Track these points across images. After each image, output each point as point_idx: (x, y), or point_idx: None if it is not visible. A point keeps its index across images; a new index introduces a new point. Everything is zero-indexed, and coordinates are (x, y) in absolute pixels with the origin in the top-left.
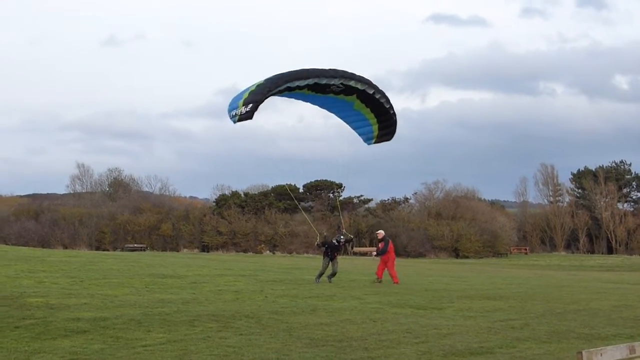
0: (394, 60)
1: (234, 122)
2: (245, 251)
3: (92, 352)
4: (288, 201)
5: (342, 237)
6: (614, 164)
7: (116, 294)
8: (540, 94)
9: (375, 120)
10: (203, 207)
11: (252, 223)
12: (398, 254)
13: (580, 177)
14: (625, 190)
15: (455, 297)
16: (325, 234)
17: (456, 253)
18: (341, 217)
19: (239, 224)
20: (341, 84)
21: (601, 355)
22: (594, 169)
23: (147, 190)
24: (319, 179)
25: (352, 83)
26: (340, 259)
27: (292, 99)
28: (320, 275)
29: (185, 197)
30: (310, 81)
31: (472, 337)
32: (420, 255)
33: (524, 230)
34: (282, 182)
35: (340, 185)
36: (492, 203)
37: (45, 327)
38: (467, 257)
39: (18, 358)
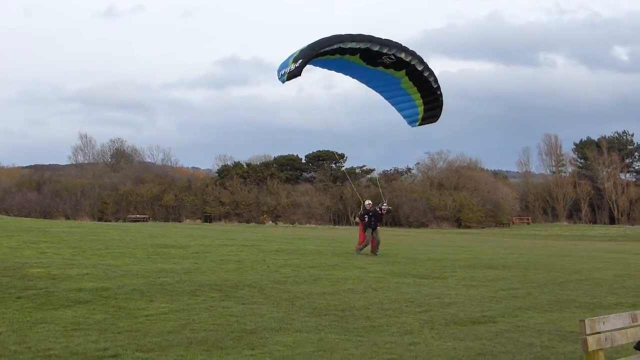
0: (393, 31)
1: (283, 81)
2: (247, 221)
3: (95, 322)
4: (290, 171)
5: (384, 205)
6: (616, 134)
7: (118, 264)
8: (540, 65)
9: (421, 101)
10: (205, 178)
11: (254, 193)
12: (400, 224)
13: (583, 147)
14: (627, 161)
15: (458, 266)
16: (366, 201)
17: (458, 223)
18: (379, 187)
19: (241, 194)
20: (393, 55)
21: (604, 323)
22: (596, 140)
23: (150, 160)
24: (320, 149)
25: (403, 55)
26: (342, 228)
27: (338, 72)
28: (365, 246)
29: (188, 167)
30: (363, 45)
31: (474, 306)
32: (423, 225)
33: (527, 201)
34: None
35: (342, 155)
36: (495, 173)
37: (47, 297)
38: (469, 227)
39: (21, 328)
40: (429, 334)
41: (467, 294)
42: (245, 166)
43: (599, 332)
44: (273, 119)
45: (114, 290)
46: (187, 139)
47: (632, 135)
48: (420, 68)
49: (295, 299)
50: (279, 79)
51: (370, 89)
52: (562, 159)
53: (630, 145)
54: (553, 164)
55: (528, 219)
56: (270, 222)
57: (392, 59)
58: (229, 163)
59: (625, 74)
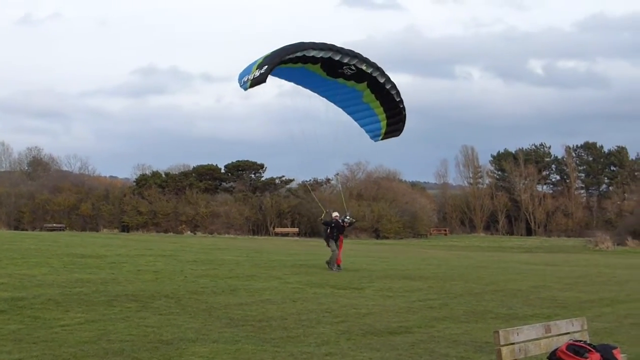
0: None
1: (246, 88)
2: (165, 231)
3: (9, 332)
4: (209, 181)
5: (347, 217)
6: (533, 147)
7: (34, 274)
8: (457, 78)
9: (384, 115)
10: (123, 187)
11: (172, 203)
12: (319, 234)
13: (500, 159)
14: (544, 173)
15: (375, 277)
16: (333, 212)
17: (377, 234)
18: (342, 196)
19: (159, 204)
20: (354, 65)
21: (517, 334)
22: (513, 152)
23: (67, 169)
24: (240, 159)
25: (364, 67)
26: (262, 238)
27: (298, 85)
28: (335, 258)
29: (106, 176)
30: (326, 54)
31: (391, 316)
32: None
33: (444, 212)
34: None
35: (261, 166)
36: (413, 184)
37: None
38: (387, 238)
39: None
40: (346, 344)
41: (384, 305)
42: (163, 175)
43: (513, 343)
44: (191, 129)
45: (29, 300)
46: (105, 147)
47: (549, 147)
48: (382, 80)
49: (213, 310)
50: (241, 86)
51: (331, 104)
52: (480, 171)
53: (547, 158)
54: (470, 176)
55: (446, 230)
56: (189, 232)
57: (353, 70)
58: (147, 172)
59: (540, 87)
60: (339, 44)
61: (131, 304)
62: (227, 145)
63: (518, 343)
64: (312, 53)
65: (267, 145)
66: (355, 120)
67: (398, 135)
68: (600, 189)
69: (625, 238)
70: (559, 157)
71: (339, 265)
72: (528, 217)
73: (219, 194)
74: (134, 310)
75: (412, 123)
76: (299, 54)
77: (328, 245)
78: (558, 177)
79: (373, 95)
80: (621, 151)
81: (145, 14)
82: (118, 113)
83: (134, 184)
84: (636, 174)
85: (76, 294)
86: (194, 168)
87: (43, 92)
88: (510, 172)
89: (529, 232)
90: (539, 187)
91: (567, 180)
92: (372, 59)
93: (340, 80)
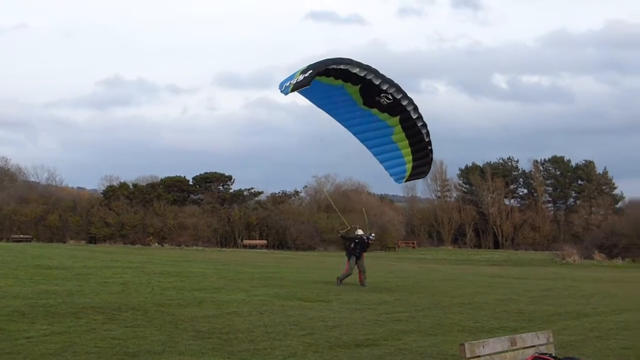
0: (277, 56)
1: (287, 92)
2: (133, 243)
3: None
4: (177, 193)
5: (372, 235)
6: (501, 160)
7: (0, 285)
8: (422, 92)
9: (410, 157)
10: (91, 198)
11: (140, 215)
12: (287, 246)
13: (467, 172)
14: (512, 187)
15: (343, 290)
16: (357, 230)
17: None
18: (364, 212)
19: (127, 215)
20: (392, 95)
21: (483, 347)
22: (481, 165)
23: (34, 180)
24: (208, 171)
25: (400, 97)
26: (230, 250)
27: (328, 111)
28: (347, 276)
29: (73, 187)
30: (368, 74)
31: (358, 329)
32: (310, 248)
33: (412, 225)
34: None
35: (230, 177)
36: (382, 197)
37: None
38: None
39: None
40: (312, 357)
41: (352, 317)
42: (131, 187)
43: (478, 356)
44: (158, 140)
45: None
46: (72, 158)
47: (517, 161)
48: (414, 116)
49: (179, 322)
50: (282, 91)
51: (356, 139)
52: (447, 184)
53: (514, 171)
54: (438, 189)
55: (414, 243)
56: (157, 244)
57: (390, 100)
58: (115, 183)
59: (505, 102)
60: (304, 57)
61: (97, 315)
62: (195, 157)
63: (484, 356)
64: (355, 70)
65: (235, 157)
66: (381, 161)
67: (423, 177)
68: (568, 203)
69: (592, 252)
70: (527, 170)
71: (362, 284)
72: (496, 230)
73: (187, 206)
74: (100, 322)
75: None
76: (343, 67)
77: (349, 260)
78: (525, 191)
79: (403, 134)
80: (588, 165)
81: (111, 25)
82: (84, 124)
83: (102, 195)
84: (603, 188)
85: (42, 306)
86: (161, 180)
87: (7, 103)
88: (477, 186)
89: (497, 245)
90: (507, 201)
91: (535, 194)
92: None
93: (375, 111)
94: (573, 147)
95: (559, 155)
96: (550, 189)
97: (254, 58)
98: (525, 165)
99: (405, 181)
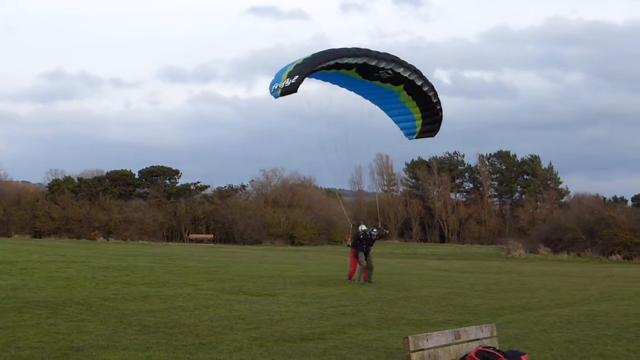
0: (220, 51)
1: (276, 96)
2: (78, 237)
3: None
4: (123, 187)
5: (375, 230)
6: (447, 155)
7: None
8: None
9: (419, 115)
10: (36, 192)
11: (85, 209)
12: (234, 241)
13: (414, 167)
14: (458, 181)
15: (289, 283)
16: (361, 226)
17: (292, 240)
18: (377, 207)
19: (72, 209)
20: (391, 69)
21: (427, 340)
22: (427, 160)
23: None
24: (154, 165)
25: (401, 70)
26: (176, 245)
27: (334, 84)
28: (362, 270)
29: (18, 181)
30: (361, 60)
31: (303, 322)
32: (257, 242)
33: (359, 219)
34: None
35: (176, 171)
36: (328, 191)
37: None
38: (302, 244)
39: None
40: (258, 351)
41: (297, 311)
42: (76, 181)
43: (422, 349)
44: (102, 134)
45: None
46: (16, 152)
47: (463, 156)
48: (419, 83)
49: (124, 317)
50: (271, 93)
51: (367, 101)
52: (394, 179)
53: (460, 166)
54: (385, 183)
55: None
56: (102, 238)
57: (390, 74)
58: (60, 177)
59: (449, 97)
60: (247, 51)
61: (42, 310)
62: (140, 151)
63: (427, 349)
64: (346, 60)
65: (181, 151)
66: (391, 117)
67: (434, 135)
68: (513, 197)
69: (538, 246)
70: (472, 165)
71: (351, 279)
72: (441, 224)
73: (133, 200)
74: (45, 316)
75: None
76: (331, 63)
77: (357, 256)
78: (471, 185)
79: (410, 97)
80: (534, 160)
81: (52, 19)
82: (27, 117)
83: (47, 189)
84: (548, 182)
85: None
86: (107, 173)
87: None
88: (424, 180)
89: (443, 239)
90: (453, 195)
91: (480, 189)
92: (279, 66)
93: (377, 82)
94: (518, 142)
95: (504, 149)
96: (496, 183)
97: (197, 52)
98: (471, 159)
99: (416, 137)
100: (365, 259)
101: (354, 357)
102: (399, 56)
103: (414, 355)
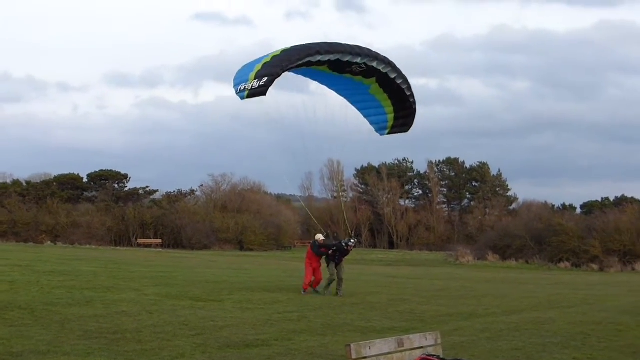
0: (167, 56)
1: (242, 97)
2: (25, 241)
3: None
4: (71, 191)
5: (352, 240)
6: (397, 162)
7: None
8: (313, 94)
9: (391, 108)
10: None
11: (33, 212)
12: (183, 245)
13: (364, 173)
14: (407, 187)
15: (236, 289)
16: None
17: (241, 245)
18: (345, 215)
19: (19, 213)
20: (364, 64)
21: (370, 348)
22: (377, 166)
23: None
24: (103, 169)
25: (374, 64)
26: (124, 249)
27: (306, 77)
28: (331, 282)
29: None
30: (333, 57)
31: (248, 329)
32: (205, 247)
33: (309, 224)
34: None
35: (125, 176)
36: (278, 197)
37: None
38: (251, 250)
39: None
40: (201, 357)
41: (243, 317)
42: (24, 184)
43: (365, 357)
44: (49, 138)
45: None
46: None
47: (412, 162)
48: (393, 76)
49: (67, 322)
50: (237, 94)
51: (320, 106)
52: (344, 185)
53: (409, 172)
54: (335, 189)
55: (310, 243)
56: (50, 242)
57: (362, 68)
58: (8, 181)
59: None
60: (193, 57)
61: None
62: (88, 156)
63: (370, 357)
64: (318, 58)
65: (129, 156)
66: (360, 110)
67: (407, 130)
68: (462, 204)
69: (486, 252)
70: (422, 171)
71: (307, 290)
72: (391, 230)
73: (81, 204)
74: None
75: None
76: (301, 62)
77: (328, 266)
78: (420, 192)
79: (381, 89)
80: (483, 167)
81: None
82: None
83: None
84: (497, 189)
85: None
86: (55, 177)
87: None
88: (373, 186)
89: (392, 245)
90: (402, 201)
91: (430, 195)
92: (225, 72)
93: (348, 75)
94: (466, 149)
95: (453, 156)
96: (445, 189)
97: (144, 57)
98: (420, 166)
99: (388, 133)
100: (337, 269)
101: None
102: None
103: None
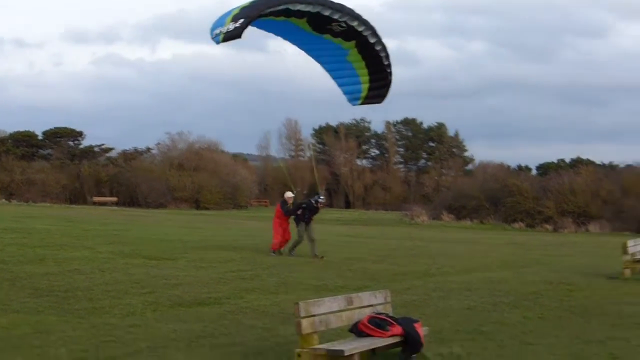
0: (123, 12)
1: (217, 41)
2: None
3: None
4: (26, 148)
5: (321, 197)
6: (354, 121)
7: None
8: (270, 52)
9: (367, 78)
10: None
11: None
12: (138, 204)
13: (321, 132)
14: (364, 147)
15: (190, 247)
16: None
17: (197, 204)
18: (316, 172)
19: None
20: (344, 22)
21: (318, 306)
22: (335, 126)
23: None
24: (58, 126)
25: (355, 24)
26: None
27: (279, 37)
28: (298, 244)
29: None
30: (314, 8)
31: (201, 287)
32: (161, 205)
33: (265, 184)
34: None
35: (80, 133)
36: (235, 156)
37: None
38: (207, 209)
39: None
40: (152, 315)
41: (196, 276)
42: None
43: (313, 315)
44: (4, 95)
45: None
46: None
47: (370, 122)
48: (372, 41)
49: (17, 279)
50: (213, 38)
51: (313, 59)
52: (302, 144)
53: (367, 132)
54: (292, 148)
55: (266, 202)
56: (4, 199)
57: (343, 27)
58: None
59: None
60: (148, 15)
61: None
62: (45, 113)
63: (319, 315)
64: (298, 7)
65: (86, 114)
66: (334, 78)
67: (380, 102)
68: (419, 164)
69: (441, 212)
70: (379, 132)
71: (275, 251)
72: (347, 190)
73: (36, 161)
74: None
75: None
76: (281, 8)
77: (297, 226)
78: (377, 152)
79: (360, 56)
80: (440, 127)
81: None
82: None
83: None
84: (454, 150)
85: None
86: (10, 134)
87: None
88: (331, 146)
89: (348, 205)
90: (359, 161)
91: (386, 155)
92: (183, 30)
93: (327, 36)
94: (424, 110)
95: (410, 117)
96: (402, 150)
97: (101, 13)
98: (378, 126)
99: (361, 104)
100: (307, 230)
101: (249, 322)
102: None
103: (304, 322)
